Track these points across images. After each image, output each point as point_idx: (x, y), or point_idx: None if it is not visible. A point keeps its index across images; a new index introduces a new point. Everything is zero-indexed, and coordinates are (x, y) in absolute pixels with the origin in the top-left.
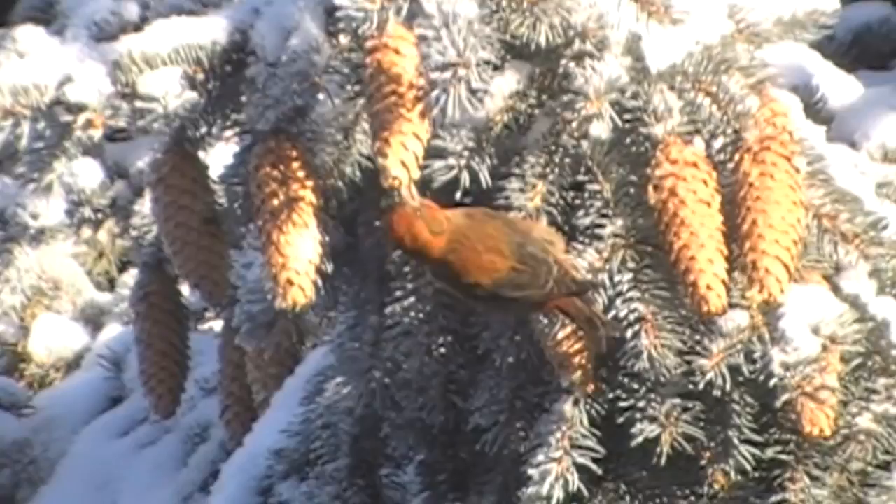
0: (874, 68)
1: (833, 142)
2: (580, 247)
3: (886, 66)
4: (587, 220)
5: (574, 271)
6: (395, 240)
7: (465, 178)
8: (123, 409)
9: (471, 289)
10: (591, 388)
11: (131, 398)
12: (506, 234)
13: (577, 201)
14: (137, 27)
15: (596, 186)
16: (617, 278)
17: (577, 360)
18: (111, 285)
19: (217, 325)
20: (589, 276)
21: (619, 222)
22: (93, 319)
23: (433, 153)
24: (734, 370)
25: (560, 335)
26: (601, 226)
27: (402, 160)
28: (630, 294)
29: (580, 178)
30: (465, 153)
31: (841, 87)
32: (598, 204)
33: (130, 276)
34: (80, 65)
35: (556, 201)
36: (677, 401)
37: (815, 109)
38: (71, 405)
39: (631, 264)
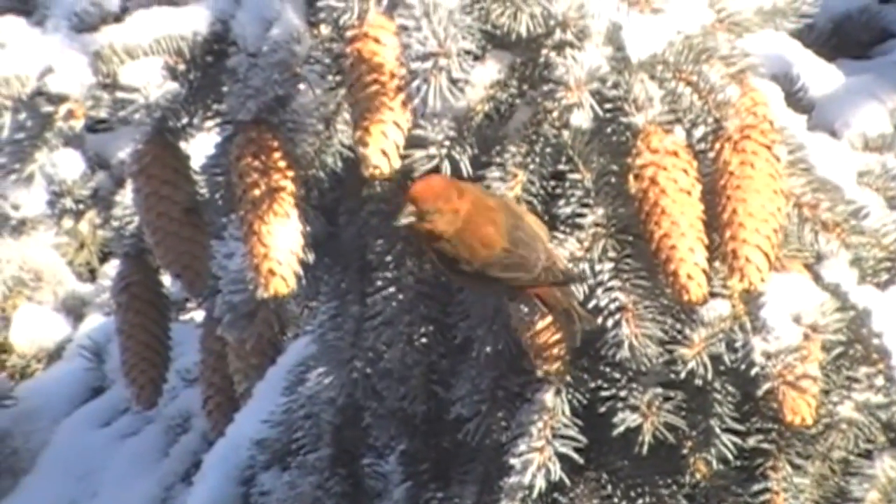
0: (854, 57)
1: (814, 130)
2: (561, 236)
3: (866, 55)
4: (568, 210)
5: (560, 262)
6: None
7: (446, 168)
8: (105, 400)
9: (457, 263)
10: (566, 378)
11: (112, 388)
12: (503, 213)
13: (558, 191)
14: (118, 18)
15: (577, 176)
16: (598, 268)
17: (554, 350)
18: (92, 276)
19: (198, 315)
20: (575, 269)
21: (600, 212)
22: (74, 310)
23: (414, 143)
24: (715, 359)
25: (538, 326)
26: (582, 215)
27: (383, 149)
28: (611, 283)
29: (561, 167)
30: (446, 143)
31: (821, 76)
32: (578, 193)
33: (111, 267)
34: (61, 55)
35: (537, 191)
36: (659, 390)
37: (796, 98)
38: (52, 396)
39: (612, 254)
